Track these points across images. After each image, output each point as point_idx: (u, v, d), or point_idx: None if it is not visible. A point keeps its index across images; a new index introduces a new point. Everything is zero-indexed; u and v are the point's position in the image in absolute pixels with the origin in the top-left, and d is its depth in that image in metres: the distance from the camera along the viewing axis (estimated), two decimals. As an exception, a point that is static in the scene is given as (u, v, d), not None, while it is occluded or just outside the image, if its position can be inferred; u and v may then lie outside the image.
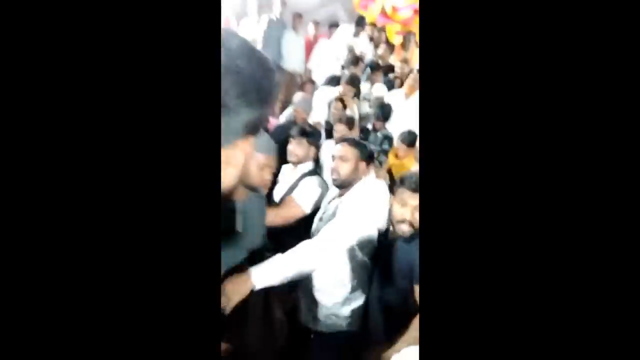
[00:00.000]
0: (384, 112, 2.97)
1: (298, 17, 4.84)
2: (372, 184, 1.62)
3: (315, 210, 1.80)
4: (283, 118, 3.14)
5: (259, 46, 4.68)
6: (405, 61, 3.95)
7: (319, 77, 4.36)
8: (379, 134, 2.94)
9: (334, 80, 3.69)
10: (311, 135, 2.00)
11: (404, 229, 1.35)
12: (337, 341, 1.57)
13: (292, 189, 1.92)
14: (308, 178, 1.92)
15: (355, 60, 3.81)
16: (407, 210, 1.33)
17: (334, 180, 1.62)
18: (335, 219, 1.51)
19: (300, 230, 1.75)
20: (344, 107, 3.01)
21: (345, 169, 1.57)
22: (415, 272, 1.29)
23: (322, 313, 1.58)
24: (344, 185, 1.59)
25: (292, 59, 4.77)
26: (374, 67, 3.91)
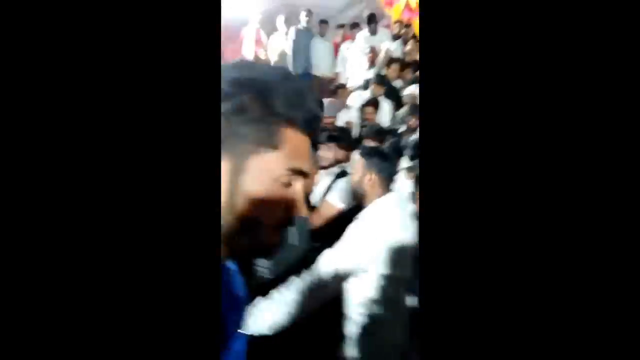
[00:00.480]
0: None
1: (324, 23, 4.99)
2: (382, 208, 1.43)
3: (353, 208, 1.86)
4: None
5: (289, 56, 4.90)
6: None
7: (349, 79, 4.49)
8: (410, 139, 2.96)
9: (366, 84, 3.82)
10: (339, 139, 2.10)
11: None
12: None
13: (326, 192, 2.03)
14: (340, 179, 2.01)
15: (389, 61, 3.90)
16: None
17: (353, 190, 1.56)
18: (333, 248, 1.37)
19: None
20: (376, 109, 3.11)
21: (353, 179, 1.50)
22: None
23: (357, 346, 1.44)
24: (357, 198, 1.52)
25: (321, 65, 4.93)
26: (404, 63, 3.97)
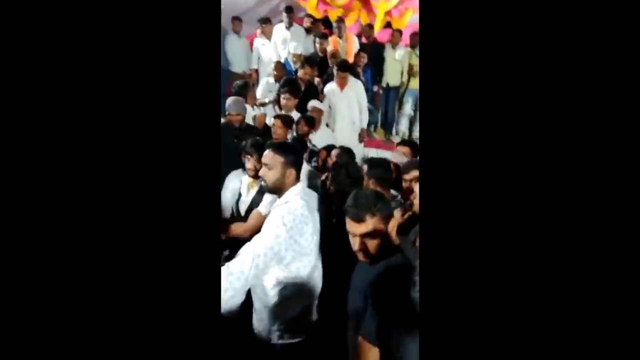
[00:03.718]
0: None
1: (237, 20, 4.94)
2: (293, 197, 1.56)
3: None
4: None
5: (204, 54, 4.80)
6: (333, 55, 4.09)
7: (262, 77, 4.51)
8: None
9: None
10: (262, 148, 2.00)
11: (360, 257, 1.32)
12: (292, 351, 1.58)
13: (255, 202, 2.08)
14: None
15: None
16: (356, 240, 1.28)
17: (264, 187, 1.64)
18: (255, 238, 1.48)
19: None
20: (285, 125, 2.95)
21: (270, 176, 1.59)
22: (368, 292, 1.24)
23: (273, 326, 1.59)
24: (275, 191, 1.62)
25: (237, 62, 4.91)
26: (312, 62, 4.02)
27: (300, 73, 3.76)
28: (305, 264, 1.53)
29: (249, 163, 2.14)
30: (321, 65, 4.02)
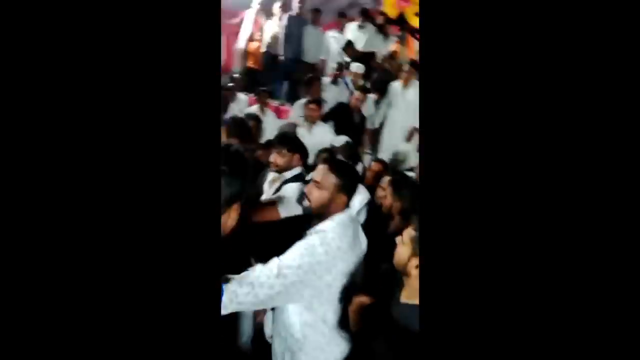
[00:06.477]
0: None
1: (316, 11, 5.32)
2: (338, 229, 1.28)
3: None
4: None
5: (281, 41, 5.29)
6: (395, 54, 4.39)
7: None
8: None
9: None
10: (291, 142, 2.03)
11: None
12: None
13: (275, 193, 1.97)
14: (290, 184, 1.92)
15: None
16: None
17: (305, 207, 1.38)
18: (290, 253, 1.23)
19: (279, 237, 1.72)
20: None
21: (315, 196, 1.30)
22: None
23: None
24: (317, 216, 1.32)
25: (311, 52, 5.34)
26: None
27: (356, 95, 3.90)
28: (327, 308, 1.25)
29: (271, 156, 2.03)
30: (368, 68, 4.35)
